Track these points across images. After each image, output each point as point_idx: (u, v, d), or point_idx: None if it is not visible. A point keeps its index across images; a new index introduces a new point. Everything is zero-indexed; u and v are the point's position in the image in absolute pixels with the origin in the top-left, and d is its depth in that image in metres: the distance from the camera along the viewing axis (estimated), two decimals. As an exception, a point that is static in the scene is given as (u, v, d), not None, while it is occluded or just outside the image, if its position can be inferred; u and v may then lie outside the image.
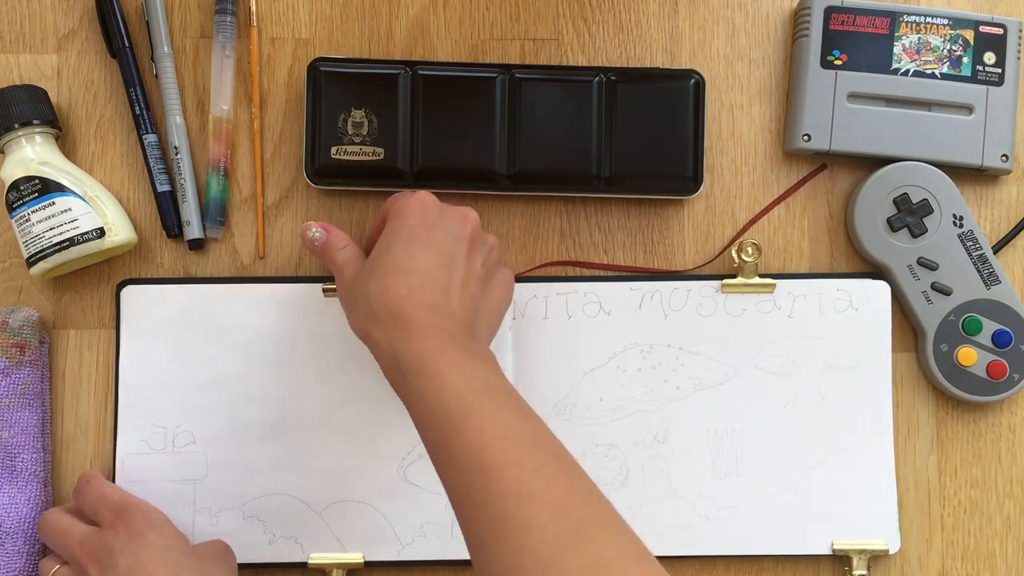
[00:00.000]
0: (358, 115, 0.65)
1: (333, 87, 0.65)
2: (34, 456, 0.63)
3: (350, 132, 0.65)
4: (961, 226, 0.65)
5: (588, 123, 0.65)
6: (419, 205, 0.58)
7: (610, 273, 0.67)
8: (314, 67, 0.65)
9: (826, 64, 0.66)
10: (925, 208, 0.65)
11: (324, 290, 0.65)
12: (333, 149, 0.64)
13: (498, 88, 0.65)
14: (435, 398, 0.52)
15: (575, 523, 0.47)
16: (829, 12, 0.66)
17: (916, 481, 0.66)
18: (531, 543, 0.47)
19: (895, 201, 0.65)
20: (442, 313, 0.55)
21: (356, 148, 0.65)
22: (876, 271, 0.67)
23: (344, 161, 0.65)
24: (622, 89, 0.65)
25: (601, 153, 0.65)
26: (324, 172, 0.65)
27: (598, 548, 0.47)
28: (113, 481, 0.64)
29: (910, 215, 0.65)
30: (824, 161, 0.68)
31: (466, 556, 0.63)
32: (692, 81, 0.66)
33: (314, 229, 0.62)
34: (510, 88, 0.65)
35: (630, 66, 0.68)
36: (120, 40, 0.66)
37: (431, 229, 0.58)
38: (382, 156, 0.65)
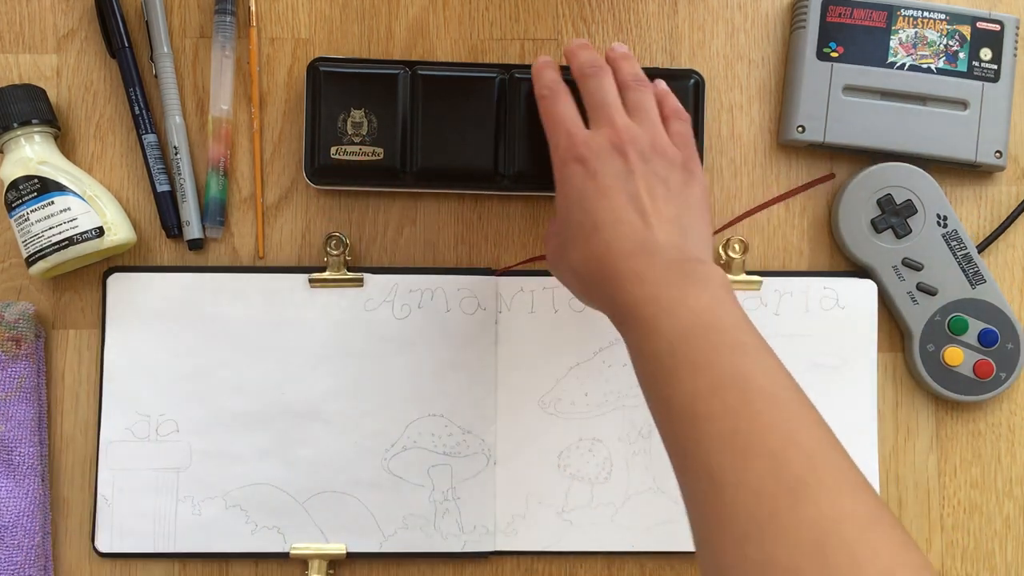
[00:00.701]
0: (358, 115, 0.65)
1: (333, 87, 0.65)
2: (31, 450, 0.63)
3: (350, 132, 0.65)
4: (945, 226, 0.66)
5: None
6: (577, 158, 0.56)
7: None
8: (314, 67, 0.65)
9: (822, 56, 0.66)
10: (909, 209, 0.66)
11: (310, 280, 0.65)
12: (333, 149, 0.64)
13: (497, 88, 0.65)
14: (648, 350, 0.50)
15: (795, 479, 0.43)
16: (826, 4, 0.66)
17: (916, 481, 0.66)
18: (745, 500, 0.43)
19: (879, 202, 0.66)
20: (647, 251, 0.53)
21: (356, 148, 0.65)
22: (861, 272, 0.67)
23: (344, 161, 0.65)
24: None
25: None
26: (324, 172, 0.65)
27: (821, 509, 0.42)
28: (96, 468, 0.64)
29: (894, 216, 0.66)
30: (823, 156, 0.68)
31: (448, 549, 0.64)
32: (692, 81, 0.66)
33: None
34: (510, 88, 0.65)
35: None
36: (119, 40, 0.66)
37: (595, 176, 0.55)
38: (382, 156, 0.65)
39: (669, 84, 0.64)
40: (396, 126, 0.65)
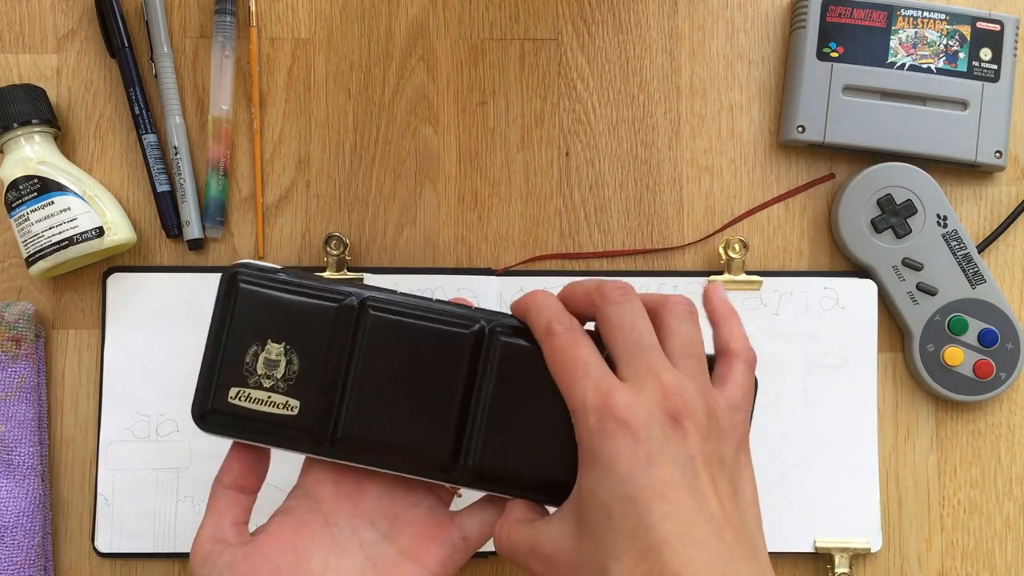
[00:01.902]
0: (274, 351, 0.49)
1: (249, 309, 0.49)
2: (31, 450, 0.63)
3: (259, 372, 0.49)
4: (945, 226, 0.66)
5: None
6: (616, 424, 0.43)
7: (603, 267, 0.67)
8: (232, 278, 0.50)
9: (822, 56, 0.66)
10: (909, 209, 0.65)
11: None
12: (233, 391, 0.49)
13: (471, 346, 0.50)
14: None
15: None
16: (826, 4, 0.66)
17: (916, 481, 0.66)
18: None
19: (879, 202, 0.66)
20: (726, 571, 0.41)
21: (264, 395, 0.49)
22: (861, 272, 0.67)
23: (244, 409, 0.49)
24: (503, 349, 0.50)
25: None
26: (214, 420, 0.50)
27: None
28: (96, 468, 0.64)
29: (894, 216, 0.66)
30: (823, 156, 0.68)
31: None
32: None
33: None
34: (488, 347, 0.50)
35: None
36: (119, 40, 0.66)
37: (651, 466, 0.42)
38: (296, 411, 0.49)
39: None
40: (324, 374, 0.49)
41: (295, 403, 0.49)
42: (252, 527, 0.52)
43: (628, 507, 0.42)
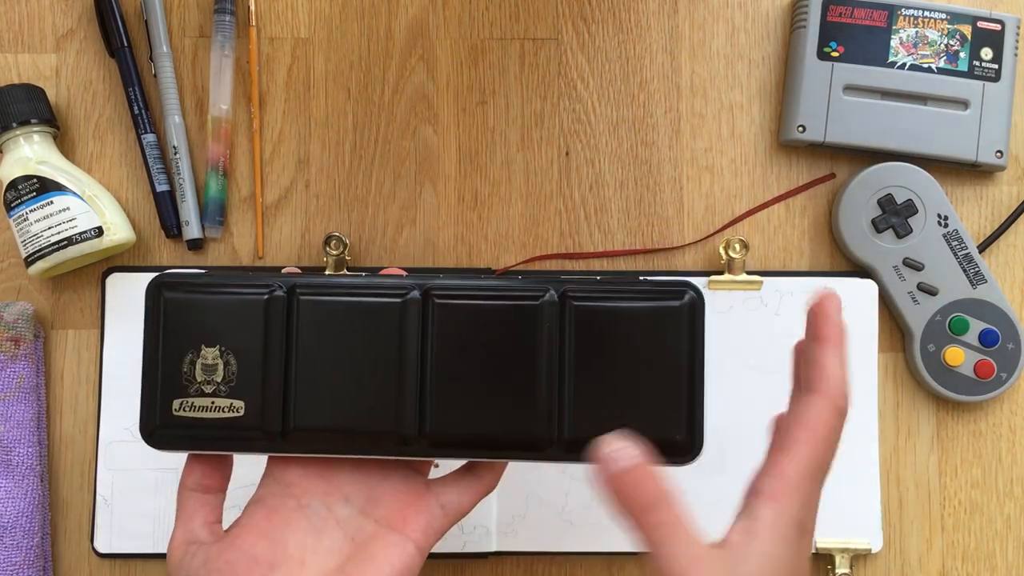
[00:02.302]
0: (210, 355, 0.49)
1: (178, 317, 0.48)
2: (30, 451, 0.63)
3: (198, 379, 0.49)
4: (946, 226, 0.65)
5: (534, 363, 0.48)
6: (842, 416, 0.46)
7: (603, 267, 0.67)
8: (156, 288, 0.49)
9: (823, 55, 0.66)
10: (909, 208, 0.65)
11: None
12: (175, 403, 0.49)
13: (405, 315, 0.49)
14: None
15: None
16: (827, 4, 0.66)
17: (916, 481, 0.66)
18: None
19: (879, 202, 0.65)
20: None
21: (207, 401, 0.49)
22: (862, 272, 0.67)
23: (191, 419, 0.49)
24: (582, 313, 0.48)
25: (554, 407, 0.48)
26: (165, 436, 0.49)
27: None
28: (95, 469, 0.64)
29: (895, 216, 0.65)
30: (823, 156, 0.68)
31: (447, 549, 0.64)
32: (686, 299, 0.49)
33: (618, 445, 0.45)
34: (424, 316, 0.49)
35: (592, 275, 0.52)
36: (119, 40, 0.66)
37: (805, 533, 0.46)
38: (242, 412, 0.49)
39: (652, 305, 0.48)
40: (262, 370, 0.49)
41: (239, 404, 0.48)
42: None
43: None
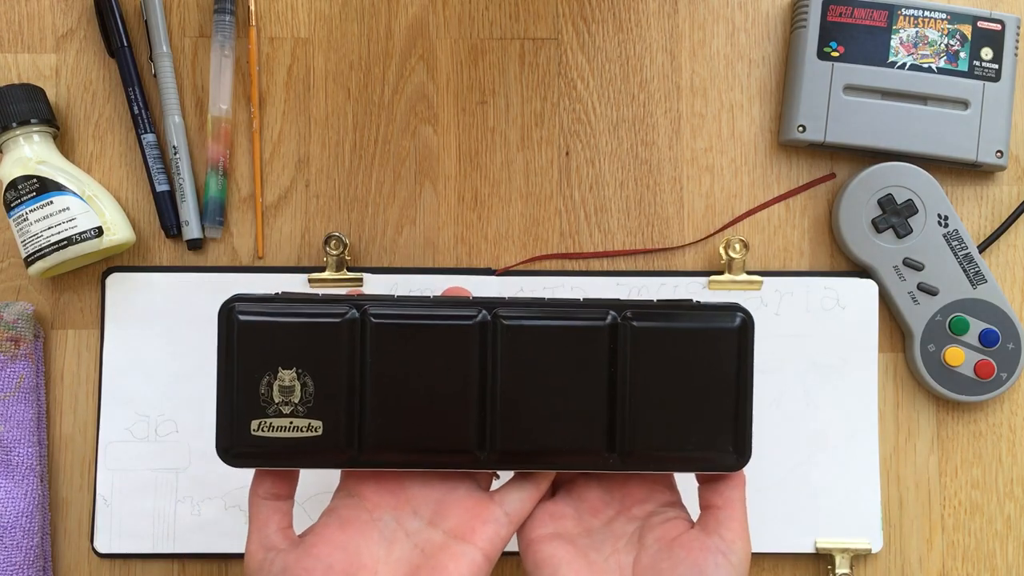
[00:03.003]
0: (287, 377, 0.50)
1: (252, 340, 0.50)
2: (30, 451, 0.63)
3: (276, 400, 0.50)
4: (946, 226, 0.65)
5: (595, 381, 0.51)
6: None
7: (603, 266, 0.67)
8: (228, 312, 0.50)
9: (823, 55, 0.66)
10: (910, 208, 0.65)
11: (309, 280, 0.65)
12: (254, 424, 0.50)
13: (477, 336, 0.51)
14: None
15: None
16: (827, 3, 0.66)
17: (916, 481, 0.66)
18: None
19: (879, 202, 0.65)
20: None
21: (285, 421, 0.50)
22: (862, 272, 0.67)
23: (268, 440, 0.50)
24: (641, 334, 0.51)
25: (615, 421, 0.51)
26: (242, 455, 0.50)
27: None
28: (95, 469, 0.64)
29: (895, 216, 0.65)
30: (823, 156, 0.68)
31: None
32: (738, 321, 0.51)
33: None
34: (495, 335, 0.51)
35: (648, 300, 0.52)
36: (118, 39, 0.66)
37: None
38: (320, 432, 0.50)
39: (702, 325, 0.51)
40: (340, 390, 0.50)
41: (317, 423, 0.50)
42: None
43: None
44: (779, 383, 0.66)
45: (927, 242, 0.65)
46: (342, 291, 0.63)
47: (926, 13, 0.66)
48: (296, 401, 0.50)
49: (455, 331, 0.50)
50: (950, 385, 0.65)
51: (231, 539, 0.64)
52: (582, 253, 0.67)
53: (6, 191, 0.63)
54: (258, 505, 0.52)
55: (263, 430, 0.50)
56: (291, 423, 0.50)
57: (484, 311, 0.51)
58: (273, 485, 0.52)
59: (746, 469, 0.52)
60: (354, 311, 0.50)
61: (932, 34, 0.66)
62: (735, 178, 0.68)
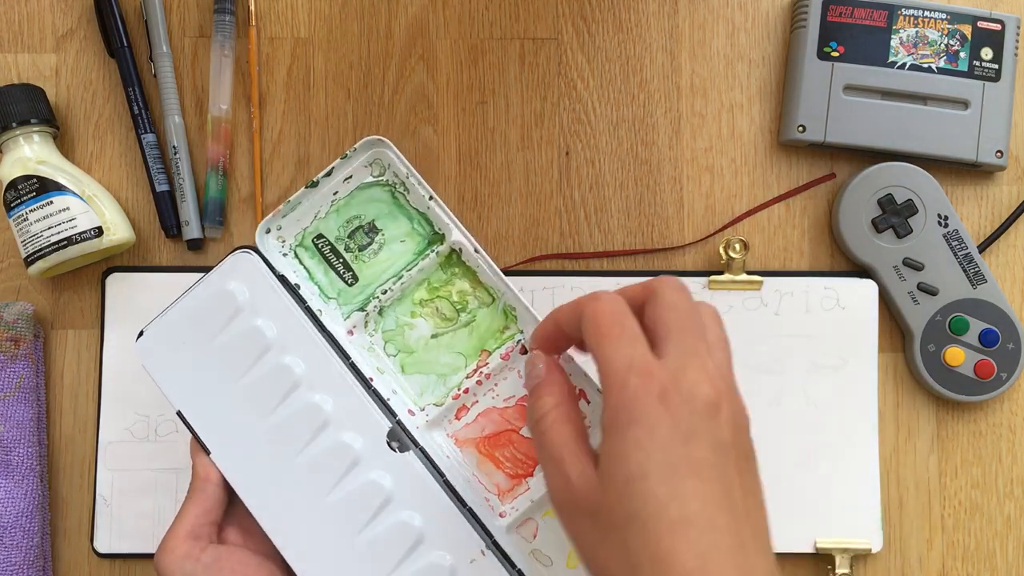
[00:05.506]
0: None
1: None
2: (30, 451, 0.63)
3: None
4: (946, 226, 0.65)
5: None
6: (661, 403, 0.42)
7: (603, 266, 0.67)
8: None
9: (823, 55, 0.66)
10: (910, 208, 0.65)
11: None
12: None
13: None
14: None
15: None
16: (827, 3, 0.66)
17: (916, 481, 0.66)
18: None
19: (879, 202, 0.65)
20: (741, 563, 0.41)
21: None
22: (862, 272, 0.67)
23: None
24: None
25: None
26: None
27: None
28: (95, 469, 0.64)
29: (895, 216, 0.65)
30: (823, 156, 0.68)
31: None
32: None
33: (539, 362, 0.48)
34: None
35: None
36: (118, 39, 0.66)
37: (688, 442, 0.42)
38: None
39: None
40: None
41: None
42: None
43: (665, 474, 0.41)
44: (779, 383, 0.66)
45: (927, 242, 0.65)
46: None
47: (926, 13, 0.66)
48: None
49: None
50: (950, 385, 0.65)
51: (231, 539, 0.64)
52: (582, 253, 0.67)
53: (6, 191, 0.63)
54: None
55: None
56: None
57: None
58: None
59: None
60: None
61: (932, 34, 0.66)
62: (735, 178, 0.68)
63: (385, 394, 0.57)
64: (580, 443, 0.45)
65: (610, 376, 0.43)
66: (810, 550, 0.64)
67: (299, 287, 0.58)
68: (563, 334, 0.49)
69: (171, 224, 0.66)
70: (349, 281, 0.59)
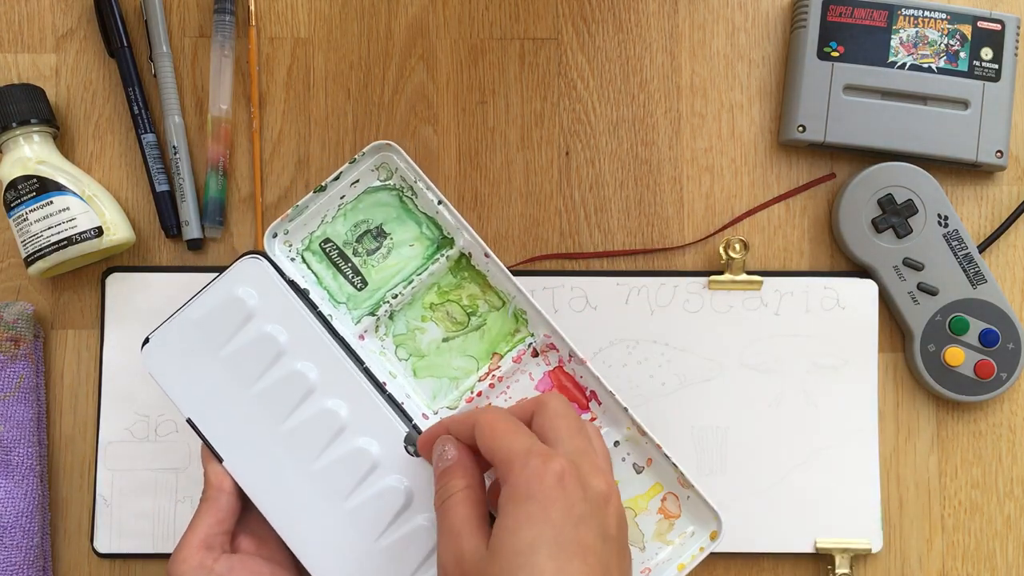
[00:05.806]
0: None
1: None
2: (30, 451, 0.63)
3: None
4: (946, 226, 0.65)
5: None
6: (558, 484, 0.45)
7: (603, 266, 0.67)
8: None
9: (823, 55, 0.66)
10: (910, 208, 0.65)
11: None
12: None
13: None
14: None
15: None
16: (827, 3, 0.66)
17: (916, 481, 0.66)
18: None
19: (879, 202, 0.65)
20: None
21: None
22: (862, 272, 0.67)
23: None
24: None
25: None
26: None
27: None
28: (95, 469, 0.64)
29: (895, 216, 0.65)
30: (823, 156, 0.68)
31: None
32: None
33: (449, 447, 0.51)
34: None
35: None
36: (118, 39, 0.66)
37: (579, 525, 0.45)
38: None
39: None
40: None
41: None
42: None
43: (554, 551, 0.43)
44: (779, 383, 0.66)
45: (927, 242, 0.65)
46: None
47: (926, 13, 0.66)
48: None
49: None
50: (950, 385, 0.65)
51: (231, 539, 0.64)
52: (582, 253, 0.67)
53: (6, 191, 0.63)
54: None
55: None
56: None
57: None
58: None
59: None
60: None
61: (932, 34, 0.66)
62: (735, 178, 0.68)
63: (399, 398, 0.57)
64: (481, 524, 0.48)
65: (511, 458, 0.47)
66: (810, 550, 0.64)
67: (308, 292, 0.58)
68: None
69: (171, 224, 0.66)
70: (358, 285, 0.59)
